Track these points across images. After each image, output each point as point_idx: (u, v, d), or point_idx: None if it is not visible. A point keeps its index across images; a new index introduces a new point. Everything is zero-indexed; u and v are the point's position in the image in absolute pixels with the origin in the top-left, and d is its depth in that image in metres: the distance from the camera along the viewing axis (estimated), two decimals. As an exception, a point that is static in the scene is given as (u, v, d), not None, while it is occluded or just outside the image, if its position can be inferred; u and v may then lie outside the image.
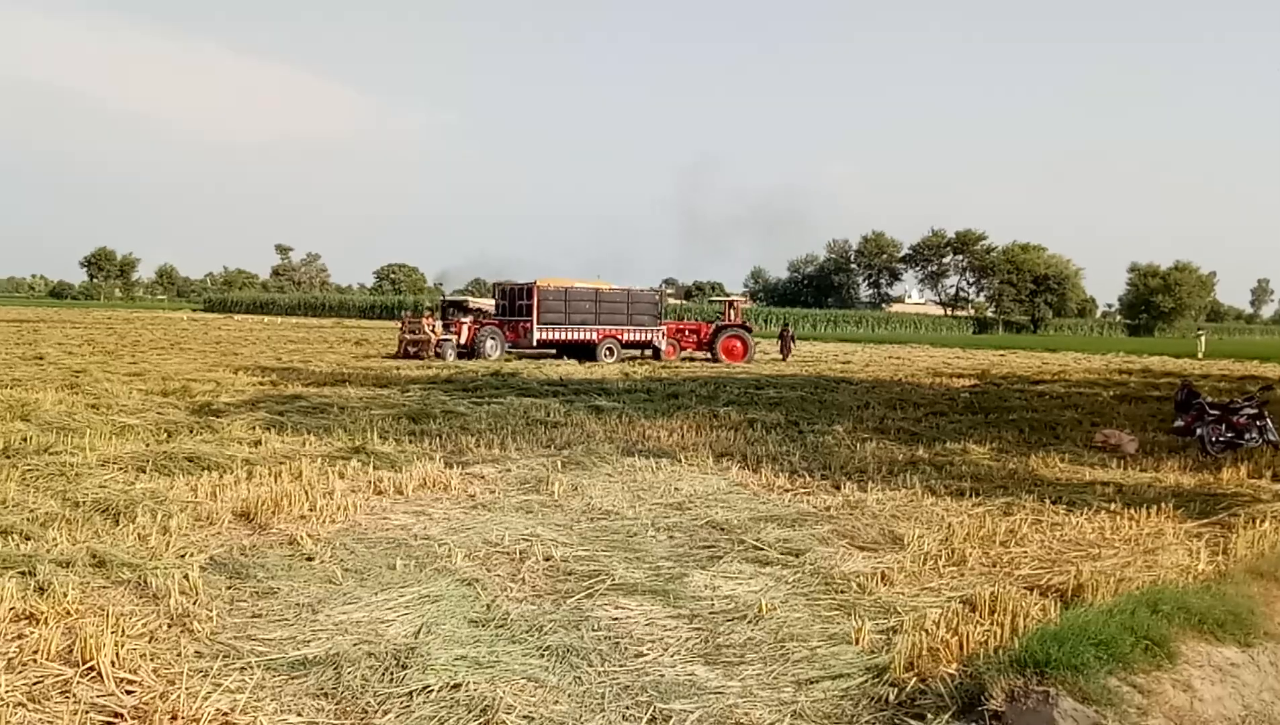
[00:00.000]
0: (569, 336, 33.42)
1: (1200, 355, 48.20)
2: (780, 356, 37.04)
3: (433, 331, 32.48)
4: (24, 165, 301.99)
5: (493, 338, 32.58)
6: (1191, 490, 10.86)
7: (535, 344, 32.94)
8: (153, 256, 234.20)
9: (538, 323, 32.71)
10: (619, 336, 34.19)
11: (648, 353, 35.26)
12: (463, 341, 32.37)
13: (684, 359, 35.53)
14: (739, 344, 35.73)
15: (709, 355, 35.74)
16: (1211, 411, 14.00)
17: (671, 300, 40.07)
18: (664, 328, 35.57)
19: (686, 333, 37.18)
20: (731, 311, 37.82)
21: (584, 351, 33.63)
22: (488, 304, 34.62)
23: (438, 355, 31.50)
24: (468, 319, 33.43)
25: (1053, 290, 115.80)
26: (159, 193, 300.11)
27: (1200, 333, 58.26)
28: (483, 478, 10.52)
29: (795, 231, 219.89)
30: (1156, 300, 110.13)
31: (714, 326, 36.63)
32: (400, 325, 34.67)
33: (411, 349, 32.50)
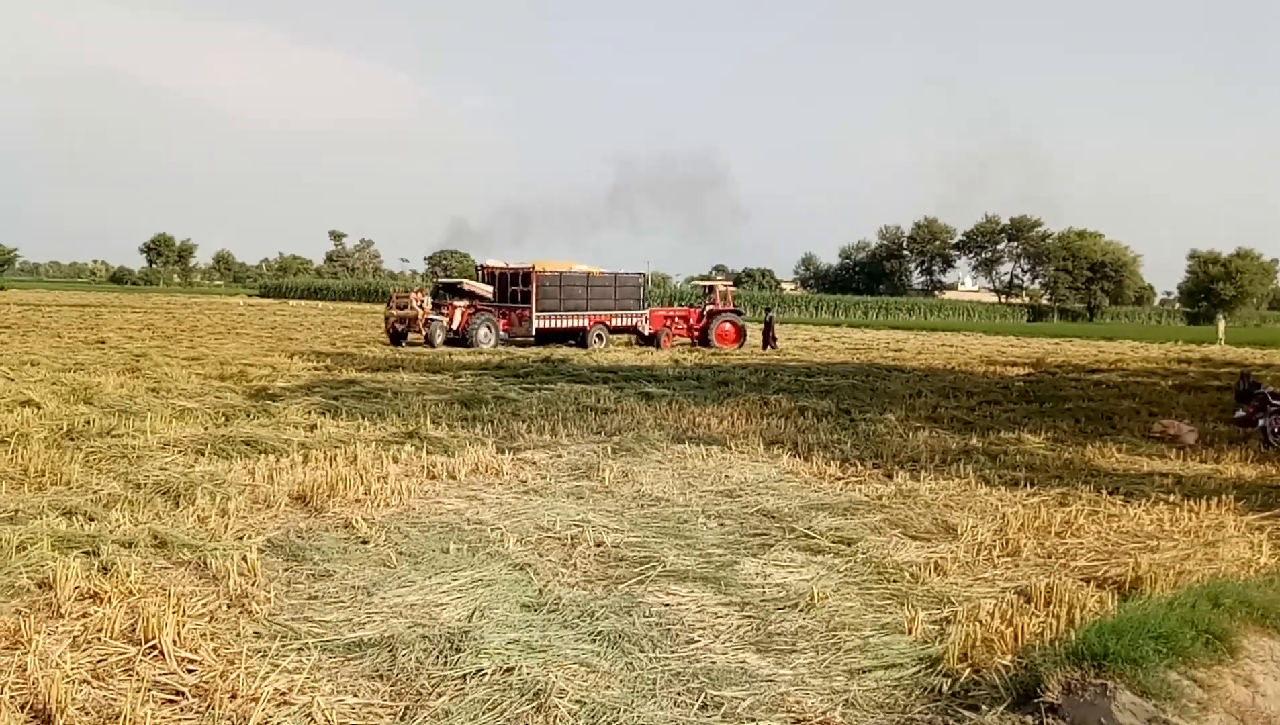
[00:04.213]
0: (564, 324, 32.23)
1: (1220, 342, 47.06)
2: (763, 348, 34.00)
3: (420, 308, 30.97)
4: (84, 152, 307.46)
5: (486, 326, 30.91)
6: (1253, 482, 10.65)
7: (534, 333, 31.54)
8: (210, 242, 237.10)
9: (537, 311, 31.43)
10: (608, 321, 33.32)
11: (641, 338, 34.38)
12: (454, 327, 30.70)
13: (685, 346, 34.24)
14: (732, 328, 34.97)
15: (695, 341, 34.64)
16: (1274, 402, 13.70)
17: (723, 287, 38.13)
18: (648, 312, 34.70)
19: (676, 320, 35.75)
20: (716, 297, 36.59)
21: (572, 338, 32.55)
22: (486, 289, 32.58)
23: (425, 336, 30.28)
24: (462, 303, 31.37)
25: (1109, 277, 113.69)
26: (216, 179, 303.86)
27: (1220, 319, 56.93)
28: (534, 463, 10.57)
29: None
30: (1217, 288, 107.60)
31: (705, 312, 35.49)
32: (387, 305, 32.75)
33: (399, 327, 31.19)
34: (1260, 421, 13.54)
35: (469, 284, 32.98)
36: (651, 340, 34.06)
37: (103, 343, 26.53)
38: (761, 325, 35.58)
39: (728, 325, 34.97)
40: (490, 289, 32.62)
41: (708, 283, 40.18)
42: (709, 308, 35.67)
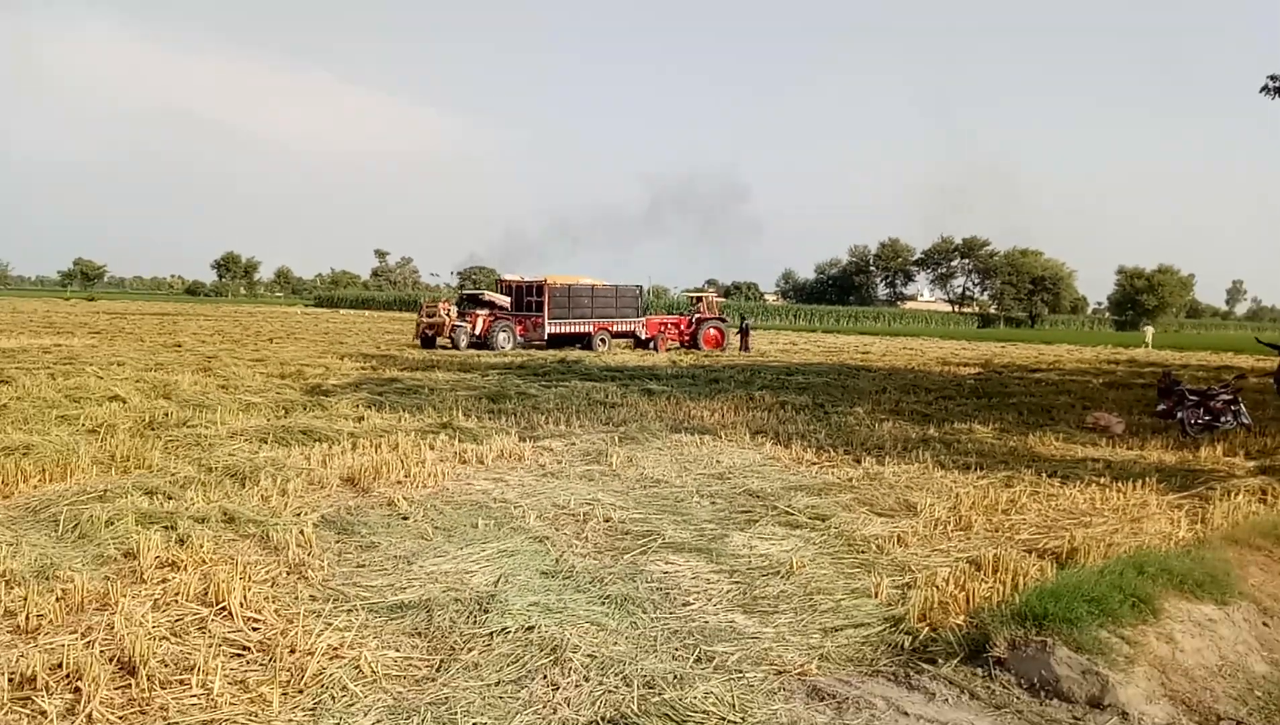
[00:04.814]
0: (572, 330, 32.20)
1: (1146, 346, 47.00)
2: (739, 350, 34.19)
3: (447, 316, 31.05)
4: (164, 181, 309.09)
5: (505, 331, 30.87)
6: (1173, 467, 10.62)
7: (546, 338, 31.45)
8: (272, 259, 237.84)
9: (549, 318, 31.52)
10: (610, 328, 33.18)
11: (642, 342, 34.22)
12: (477, 332, 30.60)
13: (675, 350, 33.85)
14: (716, 333, 34.98)
15: (684, 344, 34.39)
16: (1191, 397, 13.69)
17: (708, 297, 38.02)
18: (644, 320, 34.56)
19: (669, 326, 35.50)
20: (703, 305, 36.57)
21: (579, 342, 32.40)
22: (503, 300, 32.42)
23: (452, 340, 30.22)
24: (483, 312, 31.31)
25: (1048, 290, 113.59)
26: (277, 204, 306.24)
27: (1147, 327, 56.72)
28: (551, 450, 10.56)
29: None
30: (1141, 299, 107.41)
31: (694, 320, 35.38)
32: (418, 313, 32.93)
33: (429, 332, 31.17)
34: (1179, 414, 13.53)
35: (489, 295, 32.83)
36: (647, 344, 33.96)
37: (179, 346, 26.54)
38: (738, 330, 35.79)
39: (712, 330, 35.02)
40: (508, 299, 32.59)
41: (696, 294, 40.08)
42: (697, 316, 35.67)
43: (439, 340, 31.12)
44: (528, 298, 32.26)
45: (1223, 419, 13.36)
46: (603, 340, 32.71)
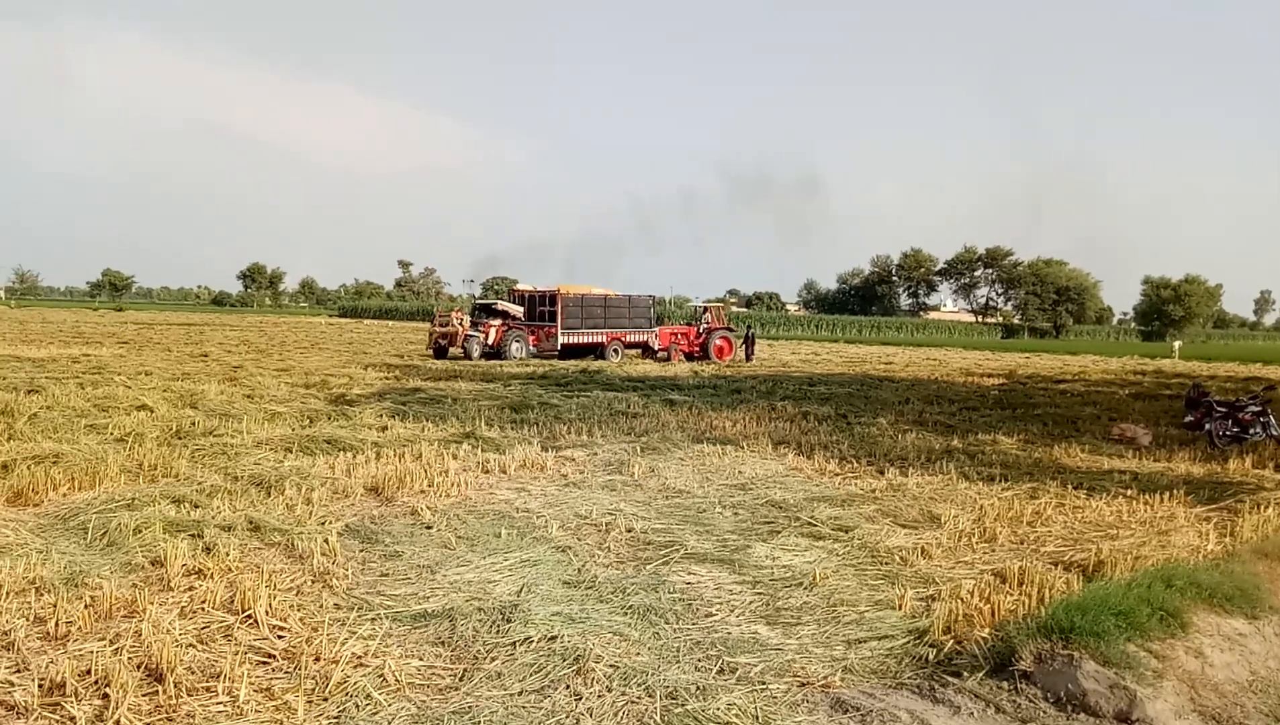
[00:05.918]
0: (585, 340, 32.03)
1: (1175, 357, 46.69)
2: (744, 359, 34.00)
3: (460, 325, 31.02)
4: (192, 193, 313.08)
5: (518, 341, 30.79)
6: (1201, 479, 10.50)
7: (559, 348, 31.29)
8: (297, 270, 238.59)
9: (562, 328, 31.40)
10: (623, 338, 33.05)
11: (653, 352, 33.95)
12: (490, 342, 30.48)
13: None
14: (726, 344, 34.74)
15: (691, 355, 34.02)
16: (1219, 408, 13.52)
17: (735, 308, 38.05)
18: (658, 331, 34.36)
19: (678, 337, 35.15)
20: (711, 316, 36.28)
21: (592, 353, 32.20)
22: (516, 309, 32.27)
23: (464, 350, 30.14)
24: (496, 322, 31.15)
25: (1073, 300, 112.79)
26: (302, 215, 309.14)
27: (1174, 338, 56.03)
28: (573, 460, 10.57)
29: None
30: (1168, 309, 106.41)
31: (703, 330, 35.06)
32: (431, 323, 32.66)
33: (442, 342, 31.05)
34: (1207, 426, 13.36)
35: (502, 304, 32.77)
36: (659, 355, 33.82)
37: (206, 356, 26.80)
38: (743, 340, 35.70)
39: (719, 341, 34.99)
40: (521, 309, 32.52)
41: (704, 305, 39.94)
42: (705, 327, 35.60)
43: (451, 350, 31.10)
44: (541, 308, 32.15)
45: (1251, 431, 13.19)
46: (615, 351, 32.62)
